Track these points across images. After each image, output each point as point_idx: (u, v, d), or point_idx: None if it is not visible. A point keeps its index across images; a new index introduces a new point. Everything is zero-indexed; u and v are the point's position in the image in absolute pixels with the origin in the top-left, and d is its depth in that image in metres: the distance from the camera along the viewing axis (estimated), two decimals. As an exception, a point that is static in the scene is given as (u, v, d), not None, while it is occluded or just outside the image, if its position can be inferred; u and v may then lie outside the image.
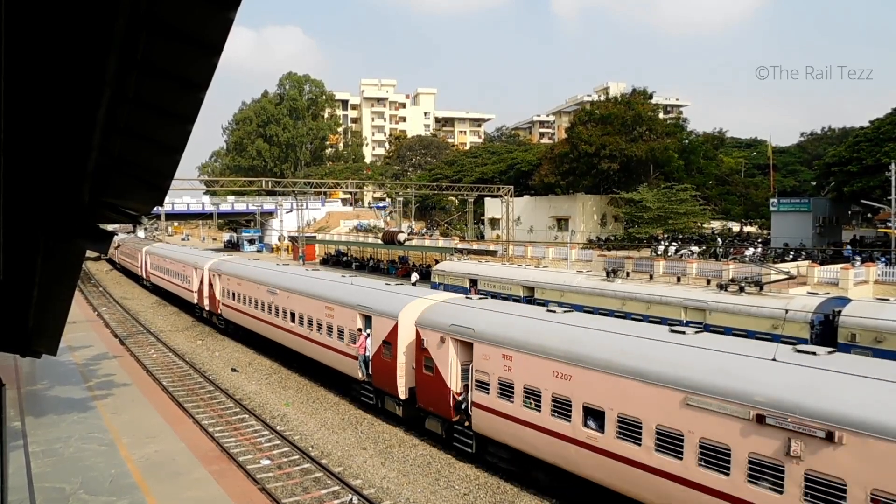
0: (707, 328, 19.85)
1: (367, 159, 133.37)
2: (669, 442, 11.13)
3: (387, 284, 23.42)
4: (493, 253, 52.85)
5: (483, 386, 15.03)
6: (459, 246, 58.55)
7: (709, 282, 25.59)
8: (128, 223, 5.50)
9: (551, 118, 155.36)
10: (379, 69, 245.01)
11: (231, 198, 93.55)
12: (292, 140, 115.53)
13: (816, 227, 49.71)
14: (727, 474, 10.31)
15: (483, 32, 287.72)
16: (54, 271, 5.17)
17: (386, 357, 18.58)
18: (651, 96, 69.61)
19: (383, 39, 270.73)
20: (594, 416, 12.55)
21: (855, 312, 17.50)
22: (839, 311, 17.86)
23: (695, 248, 49.47)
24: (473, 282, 31.75)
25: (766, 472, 9.86)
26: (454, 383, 16.10)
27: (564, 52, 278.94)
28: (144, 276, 52.27)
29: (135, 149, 3.58)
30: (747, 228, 73.40)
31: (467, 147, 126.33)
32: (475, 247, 59.00)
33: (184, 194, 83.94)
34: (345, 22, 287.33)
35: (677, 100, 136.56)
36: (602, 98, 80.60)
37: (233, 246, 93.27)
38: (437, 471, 15.79)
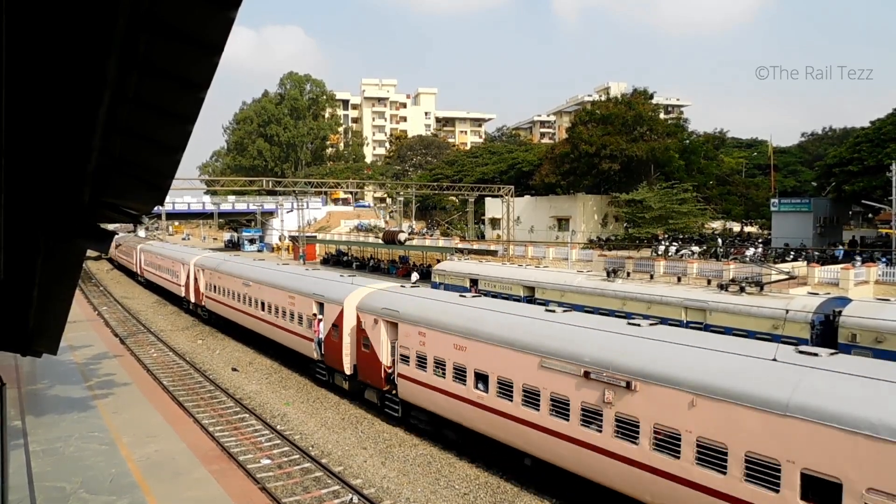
0: (707, 328, 19.88)
1: (368, 159, 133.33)
2: (531, 396, 13.77)
3: (340, 276, 26.05)
4: (493, 253, 52.85)
5: (405, 359, 17.76)
6: (460, 246, 58.53)
7: (709, 282, 25.58)
8: (128, 223, 5.50)
9: (552, 118, 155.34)
10: (379, 69, 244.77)
11: (231, 197, 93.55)
12: (293, 140, 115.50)
13: (817, 228, 49.67)
14: (567, 420, 12.88)
15: (483, 32, 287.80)
16: (55, 271, 5.17)
17: (334, 338, 21.31)
18: (652, 96, 69.61)
19: (383, 39, 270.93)
20: (482, 379, 15.15)
21: (855, 313, 17.49)
22: (839, 312, 17.85)
23: (695, 249, 49.45)
24: (474, 282, 31.75)
25: (592, 417, 12.42)
26: (385, 358, 18.82)
27: (565, 52, 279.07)
28: (139, 272, 54.75)
29: (135, 149, 3.58)
30: (748, 228, 73.39)
31: (468, 147, 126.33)
32: (476, 247, 58.98)
33: (184, 194, 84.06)
34: (345, 22, 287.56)
35: (678, 100, 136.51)
36: (603, 98, 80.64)
37: (233, 245, 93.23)
38: (437, 470, 15.79)
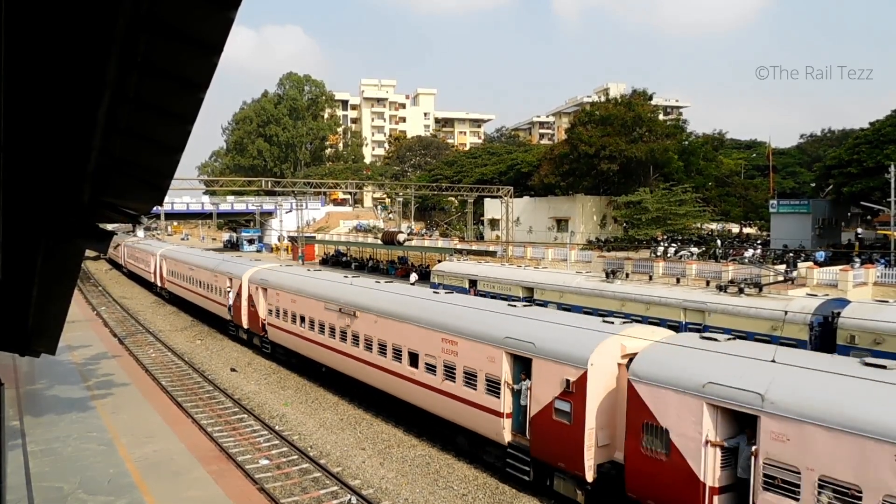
0: (706, 330, 19.87)
1: (367, 159, 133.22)
2: (321, 327, 22.38)
3: (250, 260, 37.56)
4: (492, 254, 52.90)
5: (271, 313, 26.71)
6: (459, 246, 58.58)
7: (708, 283, 25.61)
8: (128, 223, 5.50)
9: (551, 119, 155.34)
10: (379, 69, 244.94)
11: (231, 198, 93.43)
12: (292, 140, 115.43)
13: (816, 229, 49.68)
14: (334, 339, 21.38)
15: (483, 32, 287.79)
16: (54, 271, 5.16)
17: (237, 303, 30.22)
18: (651, 97, 69.61)
19: (383, 39, 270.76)
20: (303, 320, 23.74)
21: (854, 314, 17.49)
22: (838, 313, 17.86)
23: (694, 250, 49.45)
24: (473, 282, 31.73)
25: (343, 334, 20.85)
26: (262, 313, 27.80)
27: (565, 53, 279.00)
28: (124, 264, 63.90)
29: (135, 149, 3.58)
30: (747, 230, 73.38)
31: (467, 147, 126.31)
32: (474, 247, 59.02)
33: (183, 194, 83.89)
34: (345, 22, 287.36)
35: (677, 101, 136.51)
36: (602, 99, 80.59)
37: (232, 246, 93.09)
38: (435, 471, 15.79)
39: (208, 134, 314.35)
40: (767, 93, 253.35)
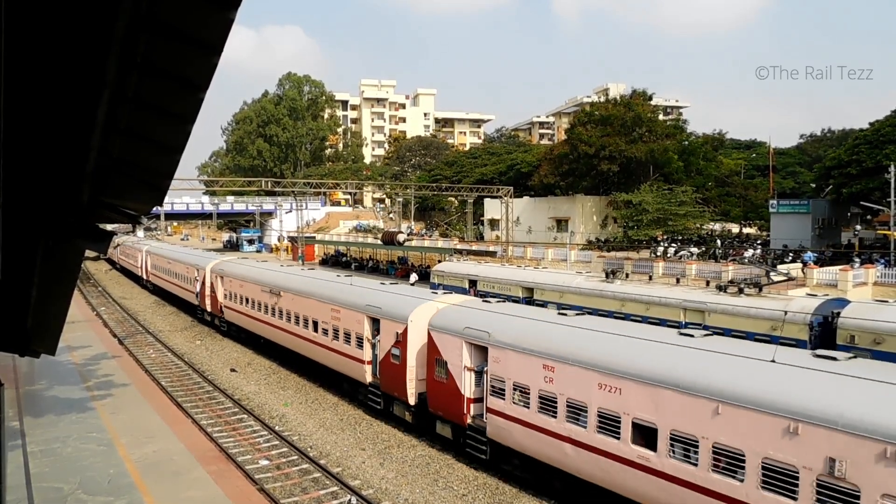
0: (706, 329, 19.87)
1: (367, 160, 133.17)
2: (259, 306, 27.31)
3: (216, 254, 44.75)
4: (492, 254, 52.89)
5: (228, 296, 31.70)
6: (459, 247, 58.57)
7: (708, 283, 25.62)
8: (127, 223, 5.50)
9: (551, 119, 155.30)
10: (379, 69, 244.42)
11: (230, 198, 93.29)
12: (292, 140, 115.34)
13: (815, 229, 49.67)
14: (267, 314, 26.50)
15: (483, 32, 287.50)
16: (53, 271, 5.16)
17: (203, 290, 35.37)
18: (651, 98, 69.58)
19: (383, 40, 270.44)
20: (253, 302, 27.94)
21: (854, 314, 17.50)
22: (838, 313, 17.86)
23: (694, 250, 49.44)
24: (473, 283, 31.73)
25: (274, 311, 25.77)
26: (221, 297, 32.55)
27: (565, 53, 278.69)
28: (117, 261, 69.63)
29: (134, 149, 3.58)
30: (746, 230, 73.37)
31: (467, 148, 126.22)
32: (474, 247, 59.00)
33: (183, 194, 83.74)
34: (345, 22, 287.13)
35: (677, 101, 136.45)
36: (602, 99, 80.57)
37: (232, 246, 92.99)
38: (435, 472, 15.79)
39: (208, 134, 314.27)
40: (767, 93, 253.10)
